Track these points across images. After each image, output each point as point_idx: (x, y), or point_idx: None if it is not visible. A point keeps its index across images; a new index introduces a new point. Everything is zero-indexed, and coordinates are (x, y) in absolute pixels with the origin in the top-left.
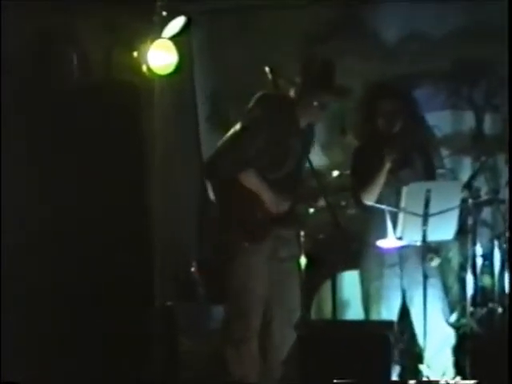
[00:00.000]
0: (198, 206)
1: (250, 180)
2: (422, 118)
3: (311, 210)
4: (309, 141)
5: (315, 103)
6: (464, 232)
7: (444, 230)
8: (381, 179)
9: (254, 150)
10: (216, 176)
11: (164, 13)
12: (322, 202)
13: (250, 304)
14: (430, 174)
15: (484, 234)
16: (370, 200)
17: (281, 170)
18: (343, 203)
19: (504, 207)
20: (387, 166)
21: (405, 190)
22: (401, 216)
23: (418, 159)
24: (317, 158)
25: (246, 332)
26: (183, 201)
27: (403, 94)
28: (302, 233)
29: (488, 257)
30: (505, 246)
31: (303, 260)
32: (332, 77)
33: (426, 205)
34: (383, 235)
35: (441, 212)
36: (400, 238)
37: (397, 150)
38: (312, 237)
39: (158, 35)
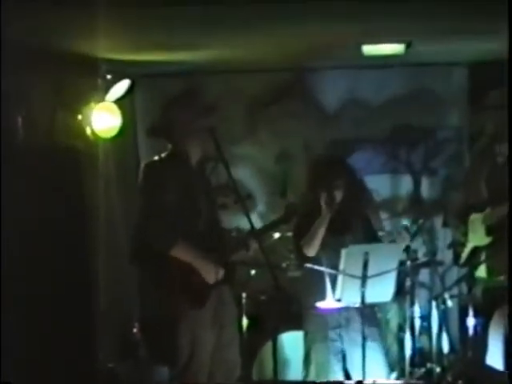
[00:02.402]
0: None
1: (181, 253)
2: (361, 183)
3: (252, 272)
4: (207, 178)
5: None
6: (402, 293)
7: (382, 291)
8: (321, 229)
9: (166, 215)
10: (144, 262)
11: (108, 76)
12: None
13: (195, 370)
14: (369, 238)
15: (422, 295)
16: (311, 253)
17: (199, 221)
18: (284, 265)
19: (441, 269)
20: (327, 217)
21: (344, 252)
22: (340, 278)
23: (358, 224)
24: (258, 220)
25: None
26: (126, 262)
27: (344, 162)
28: (244, 294)
29: (426, 318)
30: (443, 306)
31: (245, 321)
32: (195, 97)
33: (365, 267)
34: (323, 297)
35: (379, 274)
36: (339, 300)
37: (337, 215)
38: (254, 298)
39: (102, 98)
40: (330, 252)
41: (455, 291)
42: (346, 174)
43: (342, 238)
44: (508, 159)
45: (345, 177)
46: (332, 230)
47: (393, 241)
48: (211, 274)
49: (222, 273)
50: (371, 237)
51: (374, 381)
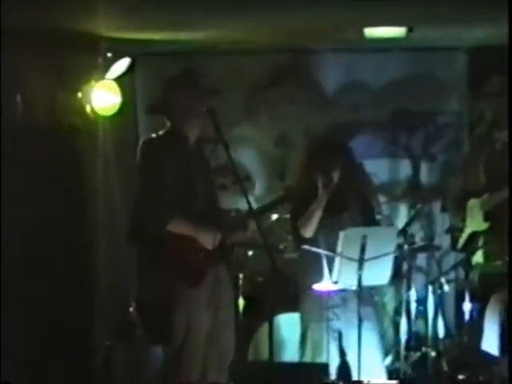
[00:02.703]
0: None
1: (178, 226)
2: (360, 165)
3: (250, 253)
4: (206, 159)
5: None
6: (399, 277)
7: (379, 274)
8: (318, 211)
9: (163, 194)
10: (142, 241)
11: (108, 54)
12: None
13: (190, 351)
14: (367, 219)
15: (418, 279)
16: (308, 234)
17: (197, 201)
18: (281, 247)
19: (438, 254)
20: (323, 199)
21: (341, 234)
22: (337, 260)
23: (355, 204)
24: (257, 202)
25: (186, 376)
26: (125, 244)
27: (342, 145)
28: (241, 275)
29: (422, 302)
30: (439, 291)
31: (241, 302)
32: (196, 78)
33: (362, 250)
34: (320, 279)
35: (376, 257)
36: (336, 282)
37: (334, 196)
38: (251, 280)
39: (102, 76)
40: (328, 233)
41: (452, 276)
42: (343, 155)
43: (339, 218)
44: (508, 146)
45: (342, 158)
46: (329, 211)
47: (390, 224)
48: (209, 240)
49: (219, 238)
50: (369, 219)
51: (369, 381)
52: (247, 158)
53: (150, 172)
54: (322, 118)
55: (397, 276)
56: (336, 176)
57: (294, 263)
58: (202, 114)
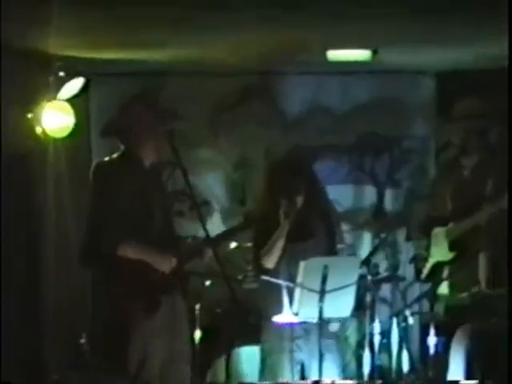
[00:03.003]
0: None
1: (132, 250)
2: (323, 191)
3: (207, 283)
4: (162, 183)
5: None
6: (362, 309)
7: (341, 306)
8: (281, 239)
9: (117, 217)
10: (94, 262)
11: (61, 73)
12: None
13: (145, 381)
14: (330, 248)
15: (383, 311)
16: (270, 264)
17: (152, 226)
18: (240, 277)
19: (403, 284)
20: (286, 226)
21: (302, 265)
22: (297, 291)
23: (319, 231)
24: (216, 228)
25: None
26: (77, 266)
27: (305, 168)
28: (198, 306)
29: (386, 334)
30: (403, 323)
31: (198, 333)
32: (153, 99)
33: (323, 281)
34: (281, 310)
35: (338, 288)
36: (296, 314)
37: (298, 222)
38: (208, 310)
39: (54, 96)
40: (289, 262)
41: (416, 308)
42: (307, 179)
43: (303, 246)
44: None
45: (305, 182)
46: (292, 239)
47: (353, 254)
48: (164, 266)
49: (175, 262)
50: (332, 247)
51: (333, 380)
52: (206, 181)
53: (103, 194)
54: (284, 140)
55: (360, 308)
56: (299, 201)
57: (254, 294)
58: (158, 137)
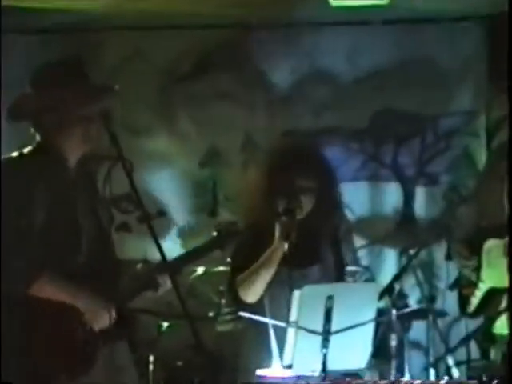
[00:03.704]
0: None
1: (50, 289)
2: (335, 195)
3: (164, 325)
4: (95, 187)
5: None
6: (384, 358)
7: (353, 354)
8: (272, 264)
9: (28, 242)
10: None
11: None
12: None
13: None
14: (340, 272)
15: (415, 360)
16: (251, 298)
17: (80, 250)
18: (211, 314)
19: (443, 322)
20: (281, 246)
21: (296, 295)
22: (291, 334)
23: (328, 252)
24: (176, 247)
25: None
26: None
27: (317, 154)
28: (151, 358)
29: None
30: (446, 377)
31: None
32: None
33: (328, 318)
34: (268, 361)
35: (348, 328)
36: (289, 367)
37: (299, 239)
38: (165, 363)
39: None
40: (280, 293)
41: (463, 354)
42: (313, 178)
43: (303, 272)
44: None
45: (311, 184)
46: (291, 263)
47: (370, 279)
48: (99, 316)
49: (114, 315)
50: (340, 271)
51: None
52: (161, 183)
53: (9, 209)
54: (270, 123)
55: (381, 356)
56: (306, 207)
57: (230, 338)
58: (88, 122)
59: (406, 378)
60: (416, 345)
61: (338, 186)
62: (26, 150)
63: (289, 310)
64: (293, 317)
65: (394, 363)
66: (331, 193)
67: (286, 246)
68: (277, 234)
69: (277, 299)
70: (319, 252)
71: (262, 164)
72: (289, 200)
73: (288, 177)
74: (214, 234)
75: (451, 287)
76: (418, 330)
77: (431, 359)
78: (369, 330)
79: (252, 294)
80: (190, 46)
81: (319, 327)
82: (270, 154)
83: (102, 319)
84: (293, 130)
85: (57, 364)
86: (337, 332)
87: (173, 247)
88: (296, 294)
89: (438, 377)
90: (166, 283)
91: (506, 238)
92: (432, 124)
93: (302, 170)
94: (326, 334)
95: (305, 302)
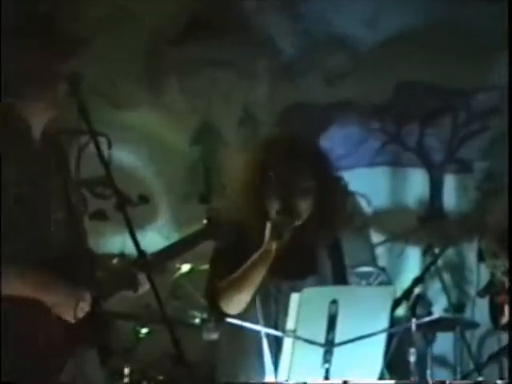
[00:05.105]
0: None
1: (12, 284)
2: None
3: (143, 331)
4: (65, 166)
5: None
6: (401, 375)
7: (360, 370)
8: (258, 271)
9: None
10: None
11: None
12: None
13: None
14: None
15: (439, 376)
16: (233, 308)
17: (47, 241)
18: (197, 320)
19: (473, 334)
20: (271, 249)
21: (294, 299)
22: (287, 344)
23: (326, 259)
24: (156, 240)
25: None
26: None
27: (314, 146)
28: (127, 370)
29: None
30: None
31: None
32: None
33: (331, 326)
34: (261, 375)
35: (355, 339)
36: (286, 382)
37: (295, 243)
38: (143, 376)
39: None
40: (273, 300)
41: (495, 372)
42: (318, 167)
43: (297, 284)
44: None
45: (314, 174)
46: (279, 273)
47: (386, 282)
48: (67, 306)
49: (87, 304)
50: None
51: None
52: (143, 163)
53: None
54: (271, 95)
55: (396, 372)
56: (304, 205)
57: (216, 348)
58: (54, 88)
59: None
60: (441, 361)
61: (339, 186)
62: None
63: (284, 317)
64: (290, 325)
65: (413, 382)
66: (332, 194)
67: (274, 245)
68: (267, 234)
69: (270, 304)
70: (317, 263)
71: (253, 153)
72: (283, 202)
73: (282, 176)
74: (205, 221)
75: (481, 293)
76: (443, 343)
77: (458, 377)
78: (380, 342)
79: (236, 304)
80: (183, 3)
81: (321, 337)
82: (260, 149)
83: (71, 312)
84: (300, 104)
85: (19, 370)
86: (341, 343)
87: (157, 240)
88: (294, 297)
89: None
90: (147, 282)
91: None
92: (465, 100)
93: (299, 168)
94: (329, 346)
95: (304, 308)
